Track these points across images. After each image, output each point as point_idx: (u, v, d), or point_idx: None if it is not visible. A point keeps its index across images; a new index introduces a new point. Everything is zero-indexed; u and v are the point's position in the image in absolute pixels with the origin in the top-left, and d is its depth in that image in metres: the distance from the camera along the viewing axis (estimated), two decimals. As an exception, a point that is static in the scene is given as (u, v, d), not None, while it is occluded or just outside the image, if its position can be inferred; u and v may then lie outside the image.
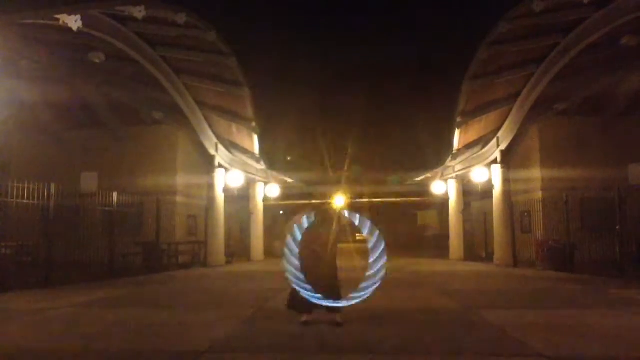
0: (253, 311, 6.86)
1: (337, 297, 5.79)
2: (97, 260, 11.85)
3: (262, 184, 21.11)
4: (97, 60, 13.37)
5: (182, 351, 4.66)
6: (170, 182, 16.89)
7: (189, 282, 11.57)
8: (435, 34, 42.94)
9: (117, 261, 12.55)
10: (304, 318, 5.82)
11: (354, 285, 5.72)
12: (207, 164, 16.93)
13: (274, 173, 21.81)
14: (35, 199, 9.90)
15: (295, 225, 5.78)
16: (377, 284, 5.50)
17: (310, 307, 5.74)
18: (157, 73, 14.38)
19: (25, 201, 9.66)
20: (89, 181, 16.62)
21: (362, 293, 5.56)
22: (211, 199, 16.90)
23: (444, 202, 21.33)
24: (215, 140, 17.14)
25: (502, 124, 16.24)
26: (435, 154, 21.08)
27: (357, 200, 24.49)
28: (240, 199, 19.64)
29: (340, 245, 6.33)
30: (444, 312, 6.90)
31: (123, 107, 16.47)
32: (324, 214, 6.22)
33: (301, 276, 5.57)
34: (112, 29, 11.97)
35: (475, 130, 17.40)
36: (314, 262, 5.78)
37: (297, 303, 5.78)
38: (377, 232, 5.71)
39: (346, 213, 6.29)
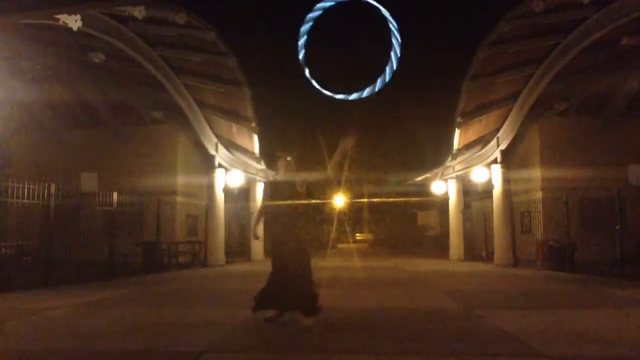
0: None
1: (312, 308, 5.29)
2: (97, 260, 11.85)
3: (263, 183, 21.12)
4: (97, 60, 13.39)
5: (182, 351, 4.65)
6: (170, 182, 16.91)
7: (189, 281, 11.56)
8: (435, 34, 42.94)
9: (117, 261, 12.55)
10: (269, 315, 5.55)
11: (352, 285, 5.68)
12: (207, 164, 16.94)
13: (274, 173, 21.80)
14: (36, 199, 9.90)
15: None
16: None
17: (279, 305, 5.48)
18: (157, 73, 14.38)
19: (25, 201, 9.65)
20: (89, 181, 16.62)
21: None
22: (211, 199, 16.90)
23: (444, 202, 21.33)
24: (215, 140, 17.14)
25: (502, 124, 16.25)
26: (435, 154, 21.11)
27: (357, 200, 24.50)
28: (241, 198, 19.63)
29: (340, 245, 6.21)
30: (444, 312, 6.89)
31: (123, 107, 16.51)
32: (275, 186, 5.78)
33: None
34: (112, 29, 11.98)
35: (475, 130, 17.41)
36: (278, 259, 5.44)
37: (265, 300, 5.47)
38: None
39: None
